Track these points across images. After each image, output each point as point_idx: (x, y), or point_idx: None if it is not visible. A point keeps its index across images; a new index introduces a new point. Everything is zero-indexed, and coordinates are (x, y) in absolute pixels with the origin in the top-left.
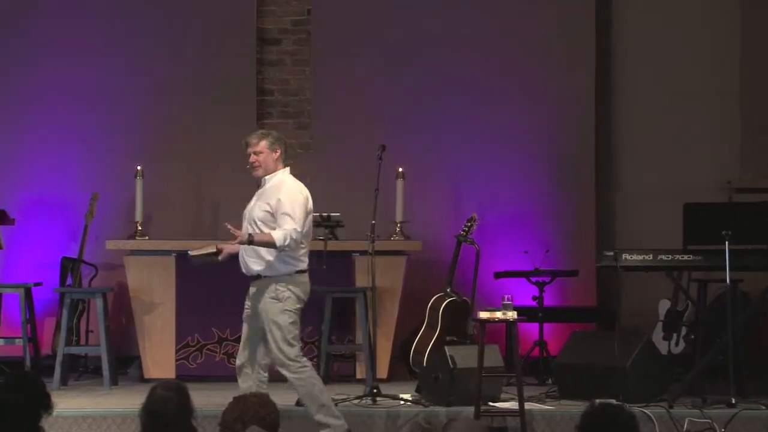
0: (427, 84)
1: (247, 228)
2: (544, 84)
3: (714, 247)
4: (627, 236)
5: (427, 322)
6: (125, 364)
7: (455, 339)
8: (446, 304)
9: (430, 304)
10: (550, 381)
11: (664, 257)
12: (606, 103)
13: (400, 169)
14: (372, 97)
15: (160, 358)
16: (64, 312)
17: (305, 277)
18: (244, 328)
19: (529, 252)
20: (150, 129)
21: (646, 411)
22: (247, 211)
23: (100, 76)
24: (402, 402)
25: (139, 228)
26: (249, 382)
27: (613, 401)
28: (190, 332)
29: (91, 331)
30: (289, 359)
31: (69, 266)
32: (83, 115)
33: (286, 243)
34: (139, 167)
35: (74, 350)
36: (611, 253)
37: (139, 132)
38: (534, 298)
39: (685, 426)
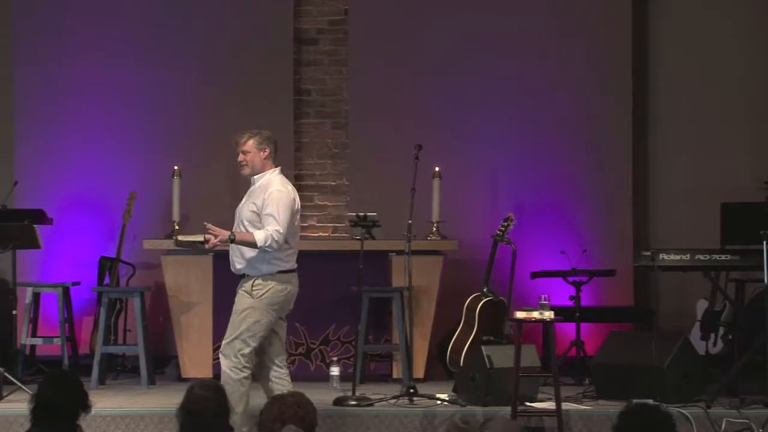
0: (464, 83)
1: (237, 227)
2: (581, 84)
3: (752, 247)
4: (664, 236)
5: (464, 322)
6: (163, 363)
7: (492, 339)
8: (483, 304)
9: (466, 303)
10: (587, 381)
11: (701, 257)
12: (643, 103)
13: (437, 169)
14: (409, 97)
15: (197, 358)
16: (102, 311)
17: (289, 277)
18: None
19: (566, 252)
20: (187, 129)
21: (683, 411)
22: (237, 211)
23: (137, 76)
24: (439, 402)
25: (177, 227)
26: (265, 383)
27: (650, 401)
28: None
29: (129, 331)
30: (235, 355)
31: (107, 265)
32: (121, 114)
33: (267, 244)
34: (176, 167)
35: (112, 349)
36: (648, 253)
37: (176, 131)
38: (571, 297)
39: (723, 426)
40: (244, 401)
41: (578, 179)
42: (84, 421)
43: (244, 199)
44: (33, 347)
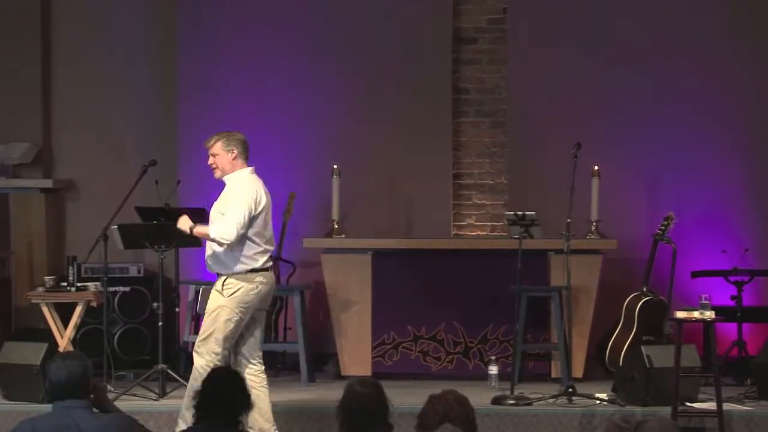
0: (623, 81)
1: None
2: (743, 82)
3: None
4: None
5: (623, 322)
6: (322, 360)
7: (652, 338)
8: (642, 304)
9: (626, 303)
10: (748, 381)
11: None
12: None
13: (596, 168)
14: (567, 95)
15: (356, 356)
16: None
17: (261, 276)
18: None
19: (727, 251)
20: (347, 128)
21: None
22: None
23: (296, 75)
24: (598, 402)
25: (336, 226)
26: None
27: None
28: (386, 330)
29: (289, 328)
30: (208, 353)
31: None
32: (281, 114)
33: (220, 235)
34: (335, 166)
35: (272, 347)
36: None
37: (335, 131)
38: (732, 297)
39: None
40: None
41: (740, 178)
42: (245, 418)
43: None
44: (194, 344)
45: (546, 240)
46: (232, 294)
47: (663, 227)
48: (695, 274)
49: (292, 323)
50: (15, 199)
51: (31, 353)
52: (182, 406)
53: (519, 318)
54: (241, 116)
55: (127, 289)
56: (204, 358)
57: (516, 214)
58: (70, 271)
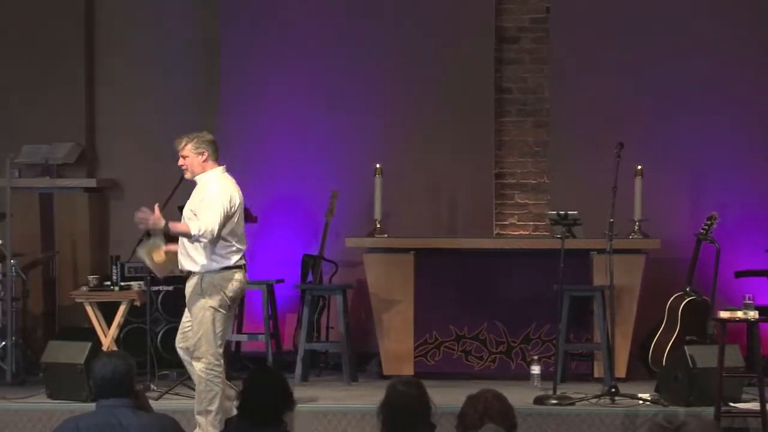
0: (667, 81)
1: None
2: None
3: None
4: None
5: (666, 322)
6: (364, 360)
7: (695, 338)
8: (686, 304)
9: (669, 303)
10: None
11: None
12: None
13: (639, 167)
14: (610, 95)
15: (398, 355)
16: (305, 308)
17: (233, 274)
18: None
19: None
20: (389, 127)
21: None
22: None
23: (340, 74)
24: (641, 402)
25: (378, 226)
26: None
27: None
28: (428, 330)
29: (332, 328)
30: (204, 356)
31: (310, 263)
32: (324, 113)
33: (201, 233)
34: (378, 165)
35: (315, 346)
36: None
37: (378, 130)
38: None
39: None
40: (218, 401)
41: None
42: (288, 417)
43: (192, 197)
44: (238, 343)
45: (589, 240)
46: (211, 294)
47: (706, 227)
48: (739, 274)
49: (334, 323)
50: (59, 198)
51: (75, 352)
52: (195, 412)
53: (561, 318)
54: (282, 116)
55: (170, 288)
56: (202, 362)
57: (558, 214)
58: (114, 271)
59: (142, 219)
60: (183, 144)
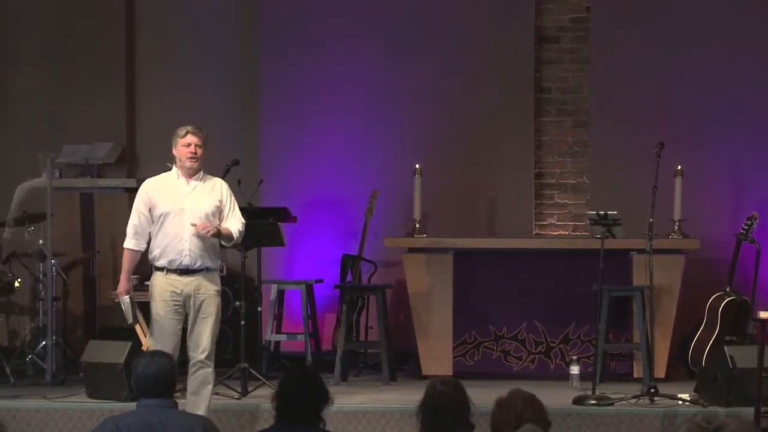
0: (706, 80)
1: (197, 220)
2: None
3: None
4: None
5: (706, 322)
6: (403, 360)
7: (735, 339)
8: (726, 304)
9: (709, 303)
10: None
11: None
12: None
13: (679, 167)
14: (650, 94)
15: (437, 355)
16: (344, 308)
17: None
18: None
19: None
20: (428, 127)
21: None
22: (174, 207)
23: (379, 74)
24: (680, 402)
25: (417, 225)
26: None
27: None
28: (467, 329)
29: (371, 328)
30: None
31: (349, 263)
32: (363, 113)
33: (241, 234)
34: (417, 165)
35: (354, 346)
36: None
37: (417, 130)
38: None
39: None
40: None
41: None
42: (326, 417)
43: (179, 193)
44: (277, 343)
45: (628, 240)
46: (219, 291)
47: (746, 227)
48: None
49: (373, 323)
50: (99, 198)
51: (115, 352)
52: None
53: (601, 318)
54: (322, 115)
55: None
56: (212, 364)
57: (598, 214)
58: None
59: (208, 228)
60: (203, 135)
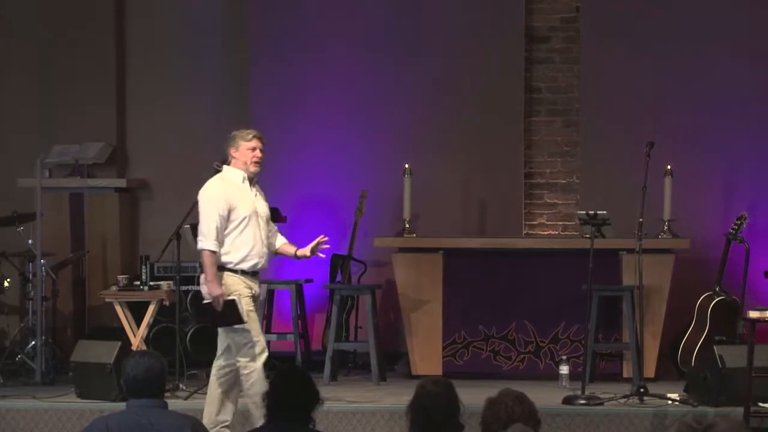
0: (698, 82)
1: (260, 221)
2: None
3: None
4: None
5: (696, 321)
6: (393, 360)
7: (724, 338)
8: (715, 303)
9: (698, 303)
10: None
11: None
12: None
13: (669, 167)
14: (641, 95)
15: (427, 355)
16: (334, 308)
17: None
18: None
19: None
20: (418, 127)
21: None
22: (251, 211)
23: (369, 74)
24: (670, 402)
25: (407, 225)
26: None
27: None
28: (457, 329)
29: (360, 327)
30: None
31: (339, 263)
32: (353, 113)
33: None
34: (407, 165)
35: (343, 346)
36: None
37: (407, 130)
38: None
39: None
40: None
41: None
42: (317, 416)
43: (251, 197)
44: (267, 343)
45: (618, 239)
46: None
47: (736, 226)
48: None
49: (362, 322)
50: (89, 198)
51: (105, 352)
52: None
53: (590, 317)
54: (313, 116)
55: (199, 288)
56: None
57: (588, 214)
58: (143, 270)
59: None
60: (263, 140)
